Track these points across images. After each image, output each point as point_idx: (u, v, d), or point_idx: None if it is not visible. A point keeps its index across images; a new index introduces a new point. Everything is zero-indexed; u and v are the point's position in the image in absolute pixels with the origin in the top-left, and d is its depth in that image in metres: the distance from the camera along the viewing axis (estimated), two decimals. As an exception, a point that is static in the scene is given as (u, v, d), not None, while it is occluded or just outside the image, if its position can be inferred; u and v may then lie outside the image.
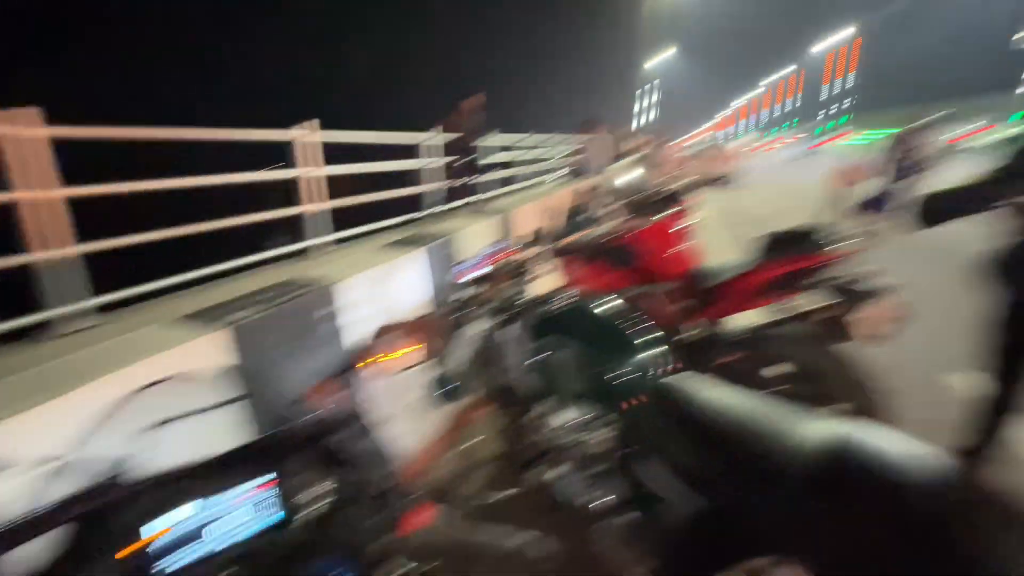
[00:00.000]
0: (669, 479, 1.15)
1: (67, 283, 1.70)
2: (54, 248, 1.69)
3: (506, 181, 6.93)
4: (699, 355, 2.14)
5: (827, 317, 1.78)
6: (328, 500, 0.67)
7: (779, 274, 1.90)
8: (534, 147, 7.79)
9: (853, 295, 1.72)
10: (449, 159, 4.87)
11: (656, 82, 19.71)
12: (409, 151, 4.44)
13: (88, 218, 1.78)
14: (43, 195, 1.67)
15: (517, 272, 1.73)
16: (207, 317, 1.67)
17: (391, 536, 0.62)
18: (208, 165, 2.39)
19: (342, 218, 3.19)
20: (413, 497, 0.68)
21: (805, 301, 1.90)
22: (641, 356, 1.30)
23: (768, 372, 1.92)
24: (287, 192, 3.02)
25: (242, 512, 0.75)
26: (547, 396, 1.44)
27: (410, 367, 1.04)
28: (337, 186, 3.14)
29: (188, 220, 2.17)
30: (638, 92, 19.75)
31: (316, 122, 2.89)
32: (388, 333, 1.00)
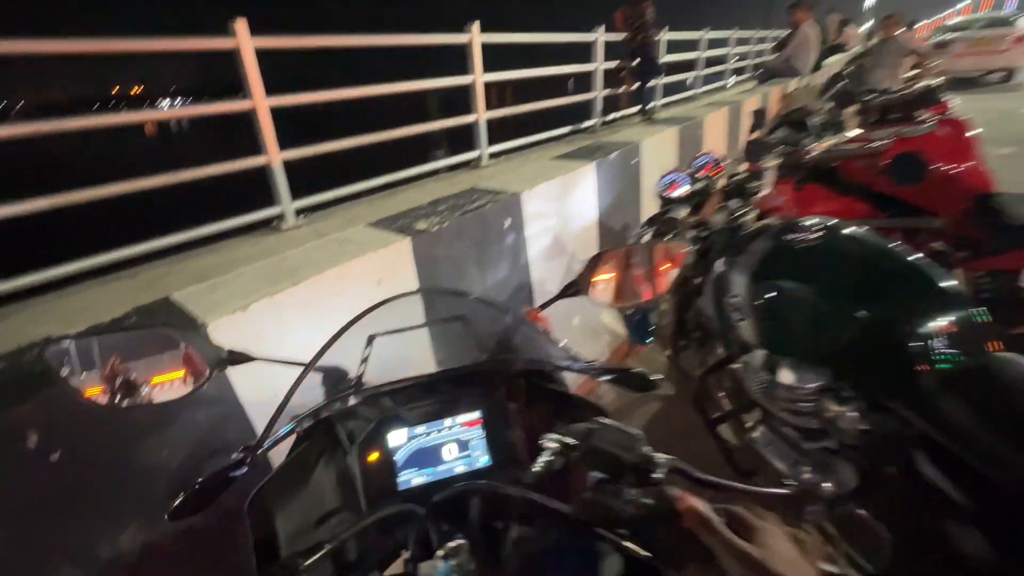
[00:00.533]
0: (955, 482, 0.85)
1: (276, 186, 1.85)
2: (268, 153, 1.83)
3: (685, 86, 5.97)
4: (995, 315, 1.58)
5: None
6: (549, 457, 0.54)
7: None
8: (720, 44, 6.53)
9: None
10: (617, 63, 4.26)
11: None
12: (567, 54, 3.98)
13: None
14: (262, 103, 1.79)
15: (733, 191, 1.38)
16: (402, 222, 1.70)
17: (662, 525, 0.45)
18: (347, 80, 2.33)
19: (505, 129, 3.01)
20: (666, 469, 0.50)
21: None
22: (934, 315, 0.93)
23: None
24: (441, 102, 2.91)
25: (450, 448, 0.68)
26: (765, 347, 1.17)
27: (617, 301, 0.86)
28: (501, 95, 2.94)
29: (353, 132, 2.17)
30: None
31: (476, 24, 2.63)
32: (598, 260, 0.81)
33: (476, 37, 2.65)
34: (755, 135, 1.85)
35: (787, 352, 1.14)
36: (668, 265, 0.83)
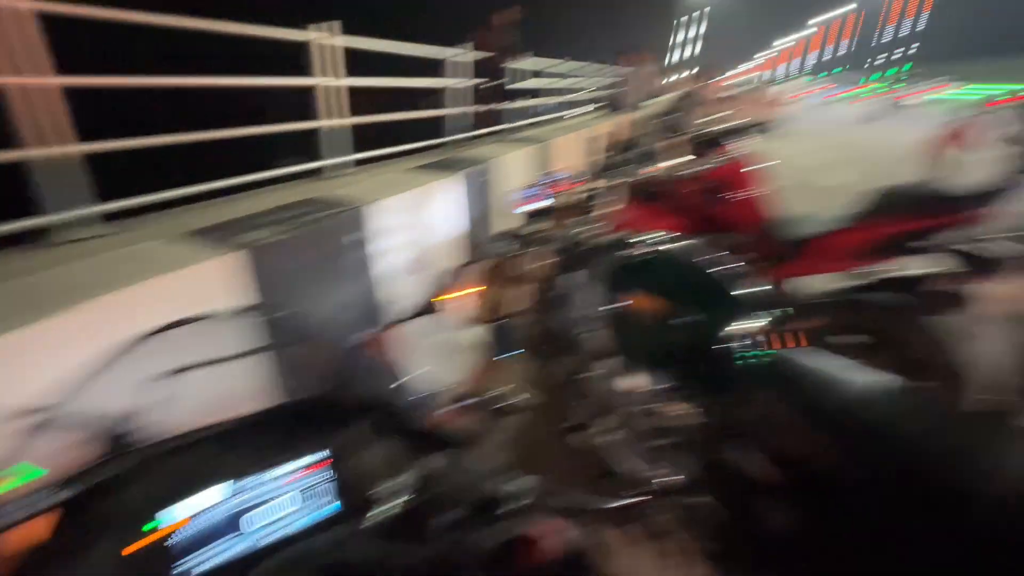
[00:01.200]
0: (767, 469, 0.97)
1: (69, 187, 1.46)
2: (51, 145, 1.43)
3: (539, 110, 6.39)
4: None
5: (941, 287, 1.52)
6: (402, 496, 0.47)
7: (886, 234, 1.62)
8: (570, 75, 7.15)
9: (982, 264, 1.45)
10: (478, 81, 4.41)
11: (706, 10, 17.95)
12: (436, 68, 4.00)
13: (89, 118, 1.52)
14: (36, 81, 1.40)
15: (584, 208, 1.46)
16: (222, 234, 1.45)
17: (509, 560, 0.41)
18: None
19: (359, 139, 2.89)
20: (529, 501, 0.47)
21: (912, 265, 1.63)
22: (748, 320, 1.07)
23: (842, 341, 1.69)
24: (301, 105, 2.69)
25: (285, 501, 0.57)
26: (615, 354, 1.24)
27: (479, 316, 0.82)
28: (356, 103, 2.80)
29: (194, 128, 1.90)
30: (680, 22, 18.10)
31: (337, 24, 2.47)
32: (458, 275, 0.77)
33: (318, 39, 2.46)
34: (604, 157, 2.01)
35: (637, 358, 1.22)
36: (529, 276, 0.81)
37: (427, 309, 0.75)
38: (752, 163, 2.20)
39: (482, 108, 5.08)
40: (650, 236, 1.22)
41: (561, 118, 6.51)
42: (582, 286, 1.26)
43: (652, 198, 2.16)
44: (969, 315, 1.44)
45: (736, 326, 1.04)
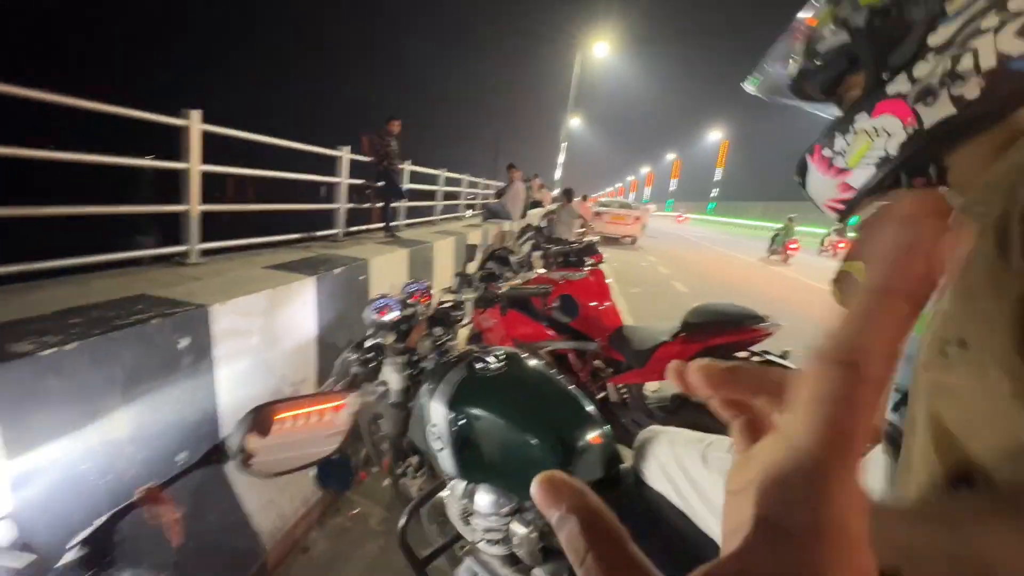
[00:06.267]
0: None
1: None
2: None
3: (418, 212, 6.66)
4: (620, 420, 2.04)
5: None
6: None
7: (708, 345, 1.87)
8: (451, 183, 7.67)
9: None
10: (356, 181, 4.53)
11: (564, 144, 21.55)
12: (314, 164, 4.11)
13: None
14: None
15: (439, 319, 1.46)
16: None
17: None
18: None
19: (220, 227, 2.88)
20: None
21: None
22: (580, 435, 1.10)
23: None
24: (151, 187, 2.73)
25: None
26: (465, 475, 1.18)
27: (286, 465, 0.71)
28: (217, 190, 2.88)
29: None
30: (561, 147, 21.49)
31: (198, 112, 2.55)
32: (259, 417, 0.65)
33: (195, 125, 2.53)
34: (468, 266, 2.10)
35: (483, 479, 1.17)
36: (340, 408, 0.74)
37: (212, 458, 0.62)
38: (601, 276, 2.47)
39: (368, 206, 5.17)
40: (495, 352, 1.23)
41: (439, 223, 6.82)
42: (430, 402, 1.21)
43: (518, 306, 2.28)
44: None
45: (573, 443, 1.07)
